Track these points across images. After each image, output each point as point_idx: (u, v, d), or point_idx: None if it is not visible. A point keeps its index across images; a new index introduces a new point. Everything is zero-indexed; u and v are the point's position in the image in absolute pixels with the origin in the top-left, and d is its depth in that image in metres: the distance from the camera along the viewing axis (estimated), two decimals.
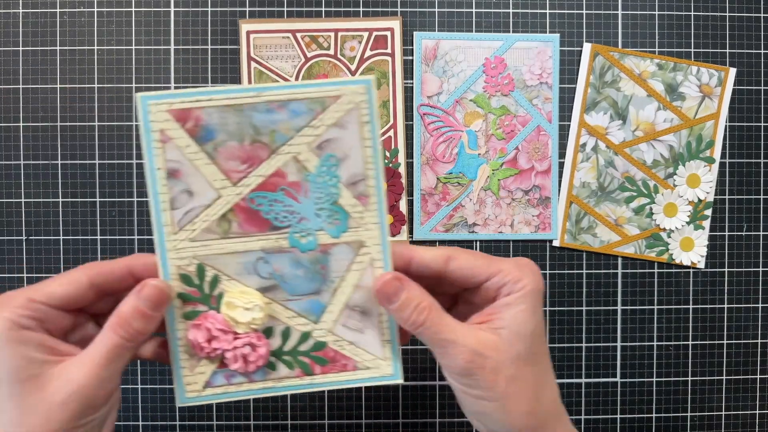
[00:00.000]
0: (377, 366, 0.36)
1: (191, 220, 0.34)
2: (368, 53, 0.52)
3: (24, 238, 0.52)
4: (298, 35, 0.52)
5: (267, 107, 0.34)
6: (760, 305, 0.54)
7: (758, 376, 0.54)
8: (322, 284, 0.36)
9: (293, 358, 0.36)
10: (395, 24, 0.52)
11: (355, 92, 0.34)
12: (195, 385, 0.35)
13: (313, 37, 0.52)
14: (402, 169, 0.52)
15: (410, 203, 0.53)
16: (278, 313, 0.36)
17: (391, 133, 0.52)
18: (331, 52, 0.52)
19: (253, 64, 0.51)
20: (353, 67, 0.52)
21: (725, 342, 0.54)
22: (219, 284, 0.35)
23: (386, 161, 0.52)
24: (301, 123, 0.34)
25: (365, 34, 0.52)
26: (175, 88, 0.52)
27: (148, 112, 0.33)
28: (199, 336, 0.34)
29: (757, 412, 0.54)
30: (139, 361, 0.52)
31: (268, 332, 0.35)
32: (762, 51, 0.54)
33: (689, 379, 0.54)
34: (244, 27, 0.51)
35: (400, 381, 0.36)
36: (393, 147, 0.52)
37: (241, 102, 0.33)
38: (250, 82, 0.51)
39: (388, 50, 0.52)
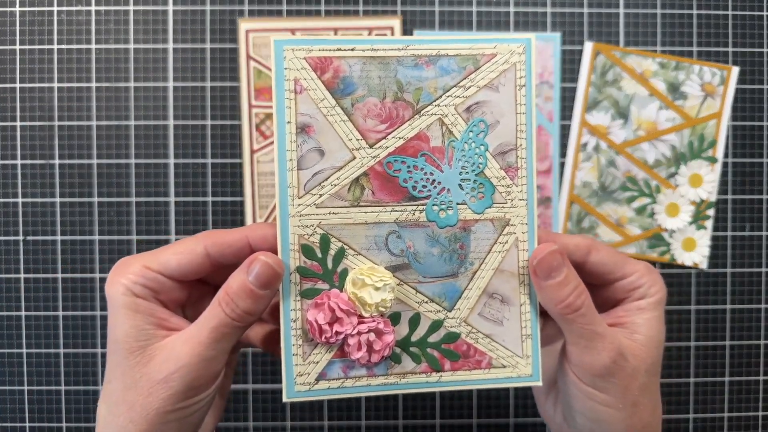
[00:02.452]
0: (514, 364, 0.32)
1: (319, 183, 0.30)
2: None
3: (21, 238, 0.52)
4: (298, 34, 0.51)
5: (414, 62, 0.31)
6: (762, 306, 0.54)
7: (761, 378, 0.54)
8: (459, 266, 0.32)
9: (421, 350, 0.32)
10: (395, 23, 0.51)
11: (513, 51, 0.31)
12: (307, 377, 0.31)
13: (313, 35, 0.51)
14: None
15: None
16: (408, 297, 0.31)
17: None
18: None
19: (252, 63, 0.51)
20: None
21: (728, 343, 0.54)
22: (344, 259, 0.31)
23: None
24: (450, 82, 0.31)
25: (365, 33, 0.52)
26: (174, 87, 0.52)
27: (282, 58, 0.30)
28: (320, 317, 0.30)
29: (760, 413, 0.54)
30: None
31: (394, 318, 0.31)
32: (765, 50, 0.53)
33: (691, 380, 0.54)
34: (243, 26, 0.51)
35: (539, 383, 0.32)
36: None
37: (386, 54, 0.30)
38: (249, 81, 0.51)
39: None
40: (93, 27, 0.51)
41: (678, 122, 0.53)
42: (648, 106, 0.53)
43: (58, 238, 0.52)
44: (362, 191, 0.31)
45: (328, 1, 0.52)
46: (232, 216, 0.52)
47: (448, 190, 0.31)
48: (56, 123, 0.52)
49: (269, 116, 0.51)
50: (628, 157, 0.53)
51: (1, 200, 0.52)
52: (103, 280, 0.52)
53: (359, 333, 0.30)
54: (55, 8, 0.51)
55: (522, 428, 0.54)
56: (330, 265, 0.31)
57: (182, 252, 0.30)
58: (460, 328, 0.32)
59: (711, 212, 0.53)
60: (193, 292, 0.32)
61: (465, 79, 0.31)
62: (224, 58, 0.52)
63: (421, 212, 0.31)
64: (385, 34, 0.51)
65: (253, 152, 0.51)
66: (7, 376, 0.52)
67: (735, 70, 0.53)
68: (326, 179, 0.30)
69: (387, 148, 0.31)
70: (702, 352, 0.54)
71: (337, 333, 0.30)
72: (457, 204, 0.31)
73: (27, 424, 0.52)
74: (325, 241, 0.30)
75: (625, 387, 0.30)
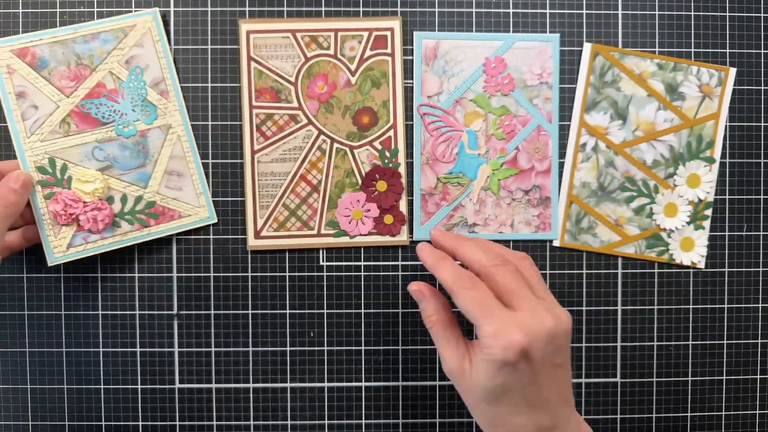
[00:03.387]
0: (196, 213, 0.51)
1: (39, 126, 0.48)
2: (368, 53, 0.52)
3: None
4: (298, 35, 0.52)
5: (84, 39, 0.48)
6: (760, 305, 0.54)
7: (758, 377, 0.54)
8: (145, 159, 0.50)
9: (132, 216, 0.50)
10: (395, 24, 0.52)
11: (146, 21, 0.49)
12: (60, 247, 0.49)
13: (313, 36, 0.52)
14: (402, 169, 0.52)
15: (410, 203, 0.53)
16: (115, 185, 0.50)
17: (390, 133, 0.52)
18: (331, 51, 0.52)
19: (253, 64, 0.51)
20: (353, 67, 0.52)
21: (725, 342, 0.54)
22: (67, 170, 0.49)
23: (386, 161, 0.52)
24: (110, 47, 0.49)
25: (365, 34, 0.52)
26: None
27: None
28: (57, 207, 0.48)
29: (758, 412, 0.54)
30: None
31: (110, 200, 0.49)
32: (762, 51, 0.54)
33: (689, 379, 0.54)
34: (244, 27, 0.51)
35: (215, 221, 0.51)
36: (393, 147, 0.52)
37: (64, 38, 0.48)
38: (249, 81, 0.51)
39: (388, 50, 0.52)
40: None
41: (676, 123, 0.53)
42: (646, 106, 0.53)
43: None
44: (69, 126, 0.49)
45: (328, 2, 0.52)
46: (233, 215, 0.52)
47: (126, 113, 0.49)
48: None
49: (270, 116, 0.52)
50: (626, 158, 0.53)
51: None
52: (104, 279, 0.52)
53: (85, 212, 0.48)
54: (58, 10, 0.51)
55: None
56: (59, 175, 0.49)
57: None
58: (155, 198, 0.50)
59: (709, 212, 0.54)
60: None
61: (120, 43, 0.49)
62: (225, 58, 0.52)
63: (111, 131, 0.49)
64: (385, 35, 0.52)
65: (254, 152, 0.52)
66: (10, 375, 0.52)
67: (732, 72, 0.53)
68: (43, 123, 0.48)
69: (79, 96, 0.49)
70: (700, 351, 0.54)
71: (71, 215, 0.48)
72: (134, 121, 0.49)
73: (30, 423, 0.52)
74: (52, 162, 0.48)
75: (463, 394, 0.40)
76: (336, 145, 0.52)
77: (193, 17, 0.52)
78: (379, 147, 0.52)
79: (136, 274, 0.52)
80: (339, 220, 0.52)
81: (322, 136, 0.52)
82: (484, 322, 0.36)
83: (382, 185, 0.52)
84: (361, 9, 0.52)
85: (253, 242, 0.52)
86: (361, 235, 0.52)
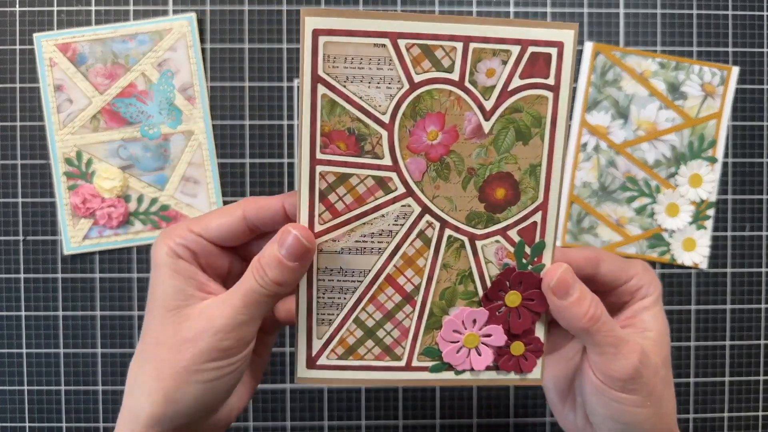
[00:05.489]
0: None
1: (72, 120, 0.50)
2: (516, 82, 0.30)
3: (21, 238, 0.52)
4: (402, 43, 0.29)
5: (122, 39, 0.50)
6: (762, 306, 0.54)
7: (761, 378, 0.54)
8: (164, 163, 0.51)
9: (146, 216, 0.52)
10: (567, 36, 0.29)
11: (182, 25, 0.50)
12: (76, 238, 0.51)
13: (428, 47, 0.29)
14: None
15: None
16: (134, 185, 0.51)
17: (537, 217, 0.32)
18: (455, 76, 0.29)
19: (322, 89, 0.29)
20: (489, 105, 0.30)
21: (727, 343, 0.54)
22: (92, 165, 0.51)
23: (524, 262, 0.32)
24: (146, 49, 0.50)
25: (515, 50, 0.29)
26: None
27: (41, 46, 0.50)
28: (77, 200, 0.50)
29: (760, 413, 0.54)
30: None
31: (127, 198, 0.51)
32: (765, 50, 0.53)
33: (691, 380, 0.54)
34: (310, 22, 0.28)
35: None
36: (537, 239, 0.32)
37: (103, 37, 0.50)
38: (314, 118, 0.29)
39: (550, 80, 0.30)
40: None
41: (678, 122, 0.53)
42: (648, 106, 0.53)
43: (59, 238, 0.52)
44: (99, 122, 0.51)
45: (330, 1, 0.52)
46: None
47: (152, 116, 0.51)
48: None
49: (345, 179, 0.30)
50: (628, 157, 0.53)
51: (1, 200, 0.52)
52: (103, 280, 0.52)
53: (102, 208, 0.51)
54: (55, 8, 0.51)
55: (522, 428, 0.54)
56: (84, 168, 0.51)
57: (222, 215, 0.31)
58: (169, 201, 0.52)
59: (711, 212, 0.54)
60: (234, 263, 0.32)
61: (155, 45, 0.50)
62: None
63: (137, 131, 0.51)
64: (548, 54, 0.31)
65: (315, 235, 0.31)
66: (7, 376, 0.52)
67: (735, 70, 0.53)
68: (76, 117, 0.51)
69: (111, 94, 0.51)
70: (702, 352, 0.54)
71: (89, 209, 0.50)
72: (159, 124, 0.51)
73: (27, 424, 0.52)
74: (79, 155, 0.51)
75: (652, 384, 0.31)
76: (449, 231, 0.32)
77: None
78: (517, 239, 0.32)
79: (135, 275, 0.52)
80: (441, 347, 0.34)
81: (428, 216, 0.32)
82: (634, 266, 0.33)
83: (513, 299, 0.33)
84: (360, 8, 0.52)
85: (304, 373, 0.33)
86: (472, 370, 0.34)
